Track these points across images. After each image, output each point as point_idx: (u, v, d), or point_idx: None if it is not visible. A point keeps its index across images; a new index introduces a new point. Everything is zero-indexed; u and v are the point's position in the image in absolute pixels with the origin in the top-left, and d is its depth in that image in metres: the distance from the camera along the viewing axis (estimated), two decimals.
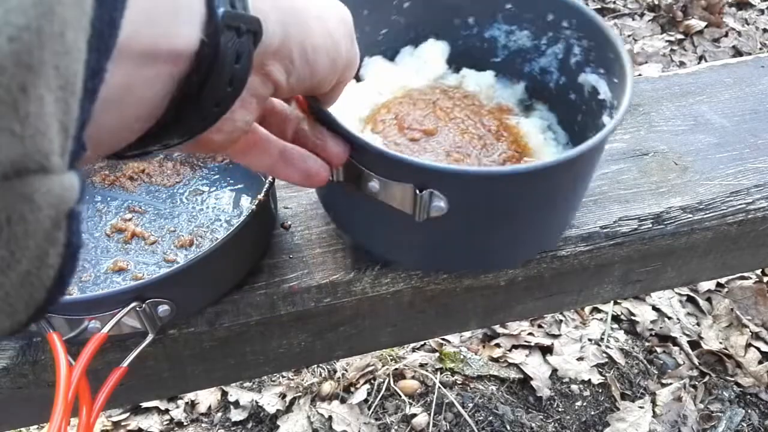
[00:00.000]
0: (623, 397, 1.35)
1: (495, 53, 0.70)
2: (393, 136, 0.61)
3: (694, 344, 1.44)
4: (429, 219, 0.49)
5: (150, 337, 0.56)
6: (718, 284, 1.54)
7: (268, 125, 0.43)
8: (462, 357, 1.42)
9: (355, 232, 0.62)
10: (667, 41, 2.27)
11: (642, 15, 2.41)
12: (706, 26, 2.30)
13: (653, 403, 1.33)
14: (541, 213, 0.56)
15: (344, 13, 0.41)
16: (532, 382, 1.36)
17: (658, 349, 1.44)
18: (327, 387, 1.36)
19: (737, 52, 2.23)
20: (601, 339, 1.46)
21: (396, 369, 1.39)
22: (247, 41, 0.30)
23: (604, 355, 1.42)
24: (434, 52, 0.70)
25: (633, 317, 1.49)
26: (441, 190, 0.47)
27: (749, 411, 1.33)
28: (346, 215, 0.61)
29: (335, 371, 1.39)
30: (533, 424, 1.30)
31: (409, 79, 0.68)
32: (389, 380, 1.37)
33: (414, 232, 0.53)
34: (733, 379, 1.38)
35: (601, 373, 1.39)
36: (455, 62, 0.71)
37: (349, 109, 0.63)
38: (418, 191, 0.47)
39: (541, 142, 0.64)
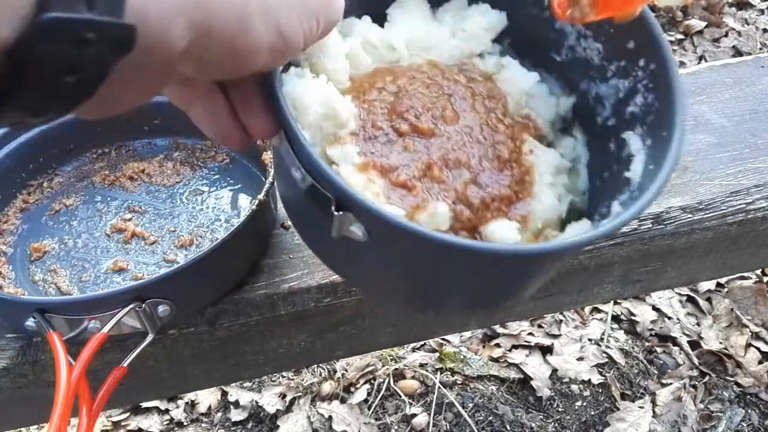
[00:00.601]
0: (623, 397, 1.35)
1: (558, 50, 0.56)
2: (375, 116, 0.50)
3: (694, 344, 1.44)
4: (346, 238, 0.42)
5: (150, 337, 0.56)
6: (718, 284, 1.54)
7: None
8: (462, 357, 1.42)
9: (288, 205, 0.54)
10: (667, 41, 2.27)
11: None
12: (706, 26, 2.30)
13: (653, 403, 1.33)
14: (477, 288, 0.50)
15: None
16: (532, 382, 1.36)
17: (658, 349, 1.44)
18: (327, 387, 1.36)
19: (737, 52, 2.23)
20: (601, 339, 1.46)
21: (396, 369, 1.39)
22: (101, 50, 0.27)
23: (604, 355, 1.42)
24: (483, 22, 0.56)
25: (633, 317, 1.49)
26: (360, 219, 0.40)
27: (749, 411, 1.33)
28: (280, 184, 0.54)
29: (335, 371, 1.39)
30: (533, 424, 1.30)
31: (439, 43, 0.55)
32: (389, 380, 1.37)
33: (330, 242, 0.44)
34: (733, 379, 1.38)
35: (601, 373, 1.39)
36: (506, 41, 0.58)
37: (345, 56, 0.51)
38: (334, 209, 0.40)
39: (546, 189, 0.52)
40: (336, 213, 0.40)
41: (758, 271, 1.52)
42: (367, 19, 0.54)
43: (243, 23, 0.33)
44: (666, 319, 1.49)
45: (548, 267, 0.51)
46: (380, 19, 0.55)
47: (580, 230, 0.49)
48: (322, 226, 0.43)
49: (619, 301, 1.50)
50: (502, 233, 0.48)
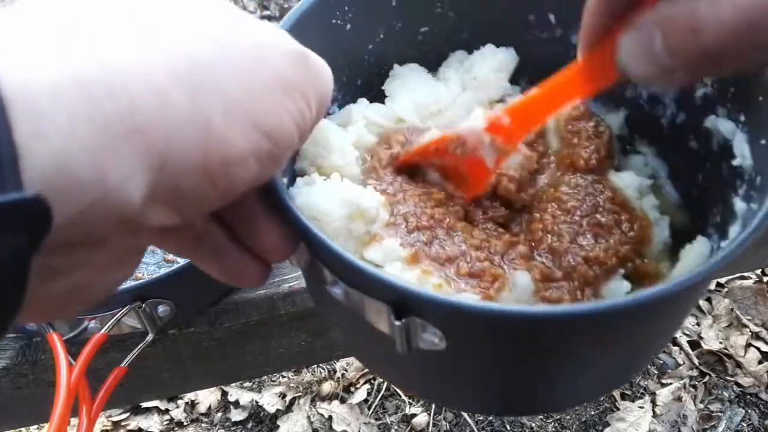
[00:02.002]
0: (623, 397, 1.35)
1: None
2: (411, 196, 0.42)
3: (694, 344, 1.44)
4: (419, 350, 0.34)
5: (150, 337, 0.57)
6: (718, 284, 1.54)
7: None
8: None
9: (333, 327, 0.47)
10: None
11: None
12: None
13: (653, 403, 1.33)
14: (596, 363, 0.39)
15: (279, 63, 0.26)
16: None
17: None
18: (327, 387, 1.36)
19: None
20: None
21: None
22: (7, 240, 0.19)
23: None
24: (492, 63, 0.50)
25: None
26: (431, 321, 0.32)
27: (749, 411, 1.33)
28: (319, 301, 0.45)
29: (335, 371, 1.39)
30: (533, 424, 1.30)
31: (451, 101, 0.49)
32: None
33: (397, 359, 0.36)
34: (733, 379, 1.38)
35: None
36: (523, 80, 0.52)
37: (348, 151, 0.44)
38: (396, 318, 0.32)
39: (637, 212, 0.44)
40: (397, 323, 0.32)
41: (758, 271, 1.52)
42: (363, 101, 0.49)
43: (209, 133, 0.23)
44: None
45: (690, 304, 0.40)
46: (377, 99, 0.50)
47: (702, 250, 0.40)
48: (383, 344, 0.35)
49: None
50: (613, 288, 0.40)
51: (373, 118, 0.47)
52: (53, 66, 0.20)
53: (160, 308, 0.55)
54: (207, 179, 0.24)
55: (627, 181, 0.46)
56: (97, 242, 0.23)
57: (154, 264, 0.64)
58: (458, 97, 0.50)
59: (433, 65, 0.52)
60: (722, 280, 1.53)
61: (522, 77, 0.51)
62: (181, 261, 0.63)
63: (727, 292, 1.53)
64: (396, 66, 0.51)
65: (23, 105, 0.19)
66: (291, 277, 0.62)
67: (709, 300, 1.53)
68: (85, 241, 0.22)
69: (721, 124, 0.42)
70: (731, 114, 0.41)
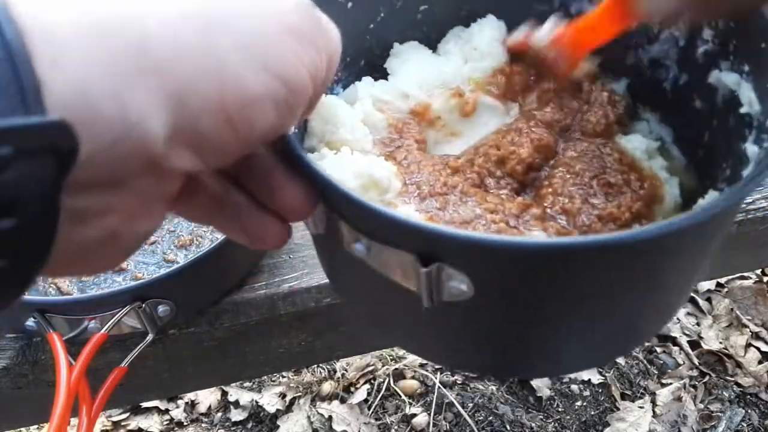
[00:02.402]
0: (623, 397, 1.35)
1: None
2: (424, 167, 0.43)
3: (694, 344, 1.44)
4: (443, 304, 0.33)
5: (150, 337, 0.57)
6: (718, 284, 1.54)
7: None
8: None
9: (350, 297, 0.45)
10: None
11: None
12: None
13: (653, 403, 1.33)
14: (625, 303, 0.37)
15: (290, 12, 0.26)
16: (532, 382, 1.36)
17: (658, 349, 1.44)
18: (327, 387, 1.36)
19: None
20: None
21: (396, 369, 1.39)
22: (28, 170, 0.18)
23: None
24: (493, 33, 0.50)
25: None
26: (459, 266, 0.30)
27: (749, 411, 1.33)
28: (335, 274, 0.44)
29: (335, 371, 1.39)
30: (533, 424, 1.30)
31: (454, 73, 0.50)
32: (389, 380, 1.37)
33: (418, 319, 0.36)
34: (733, 379, 1.38)
35: (601, 373, 1.39)
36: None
37: (357, 126, 0.45)
38: (422, 266, 0.31)
39: (646, 172, 0.45)
40: (424, 270, 0.31)
41: (758, 271, 1.52)
42: (367, 79, 0.50)
43: (224, 72, 0.24)
44: None
45: (710, 239, 0.37)
46: (381, 80, 0.51)
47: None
48: (406, 304, 0.34)
49: None
50: None
51: (378, 94, 0.48)
52: (70, 8, 0.21)
53: (160, 308, 0.55)
54: (226, 121, 0.24)
55: (635, 143, 0.46)
56: (122, 184, 0.23)
57: (154, 264, 0.64)
58: (460, 69, 0.50)
59: (433, 43, 0.52)
60: (722, 280, 1.53)
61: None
62: (181, 261, 0.63)
63: (727, 292, 1.53)
64: (396, 45, 0.51)
65: (41, 36, 0.19)
66: (291, 277, 0.62)
67: (709, 300, 1.53)
68: (111, 182, 0.22)
69: (726, 77, 0.42)
70: (735, 66, 0.42)
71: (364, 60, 0.51)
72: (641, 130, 0.50)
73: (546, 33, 0.46)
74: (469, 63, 0.50)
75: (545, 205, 0.42)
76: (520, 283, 0.33)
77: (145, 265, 0.64)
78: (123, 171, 0.22)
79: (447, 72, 0.50)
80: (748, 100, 0.40)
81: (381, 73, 0.51)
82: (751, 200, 0.70)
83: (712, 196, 0.40)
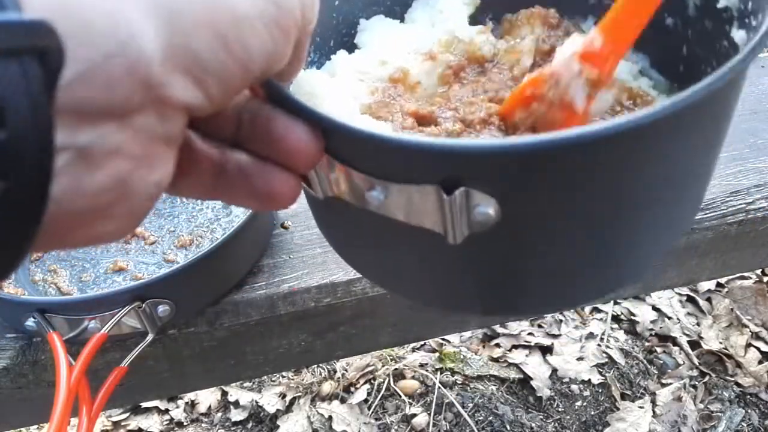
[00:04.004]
0: (623, 397, 1.35)
1: None
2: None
3: (694, 344, 1.44)
4: (469, 238, 0.31)
5: (150, 337, 0.57)
6: (718, 284, 1.54)
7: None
8: (462, 357, 1.42)
9: (358, 263, 0.44)
10: None
11: None
12: None
13: (653, 403, 1.33)
14: (662, 199, 0.34)
15: None
16: (532, 382, 1.36)
17: (658, 349, 1.44)
18: (327, 387, 1.36)
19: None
20: (601, 339, 1.46)
21: (396, 369, 1.39)
22: (17, 70, 0.17)
23: (604, 355, 1.42)
24: None
25: (633, 317, 1.49)
26: (485, 184, 0.29)
27: (749, 411, 1.33)
28: (342, 239, 0.42)
29: (335, 371, 1.39)
30: (533, 424, 1.30)
31: (422, 38, 0.50)
32: (389, 380, 1.37)
33: (444, 263, 0.35)
34: (733, 379, 1.38)
35: (601, 373, 1.39)
36: (488, 16, 0.53)
37: (341, 95, 0.44)
38: (445, 193, 0.29)
39: (636, 91, 0.44)
40: (447, 197, 0.29)
41: (758, 271, 1.52)
42: (342, 53, 0.49)
43: None
44: (666, 319, 1.49)
45: (725, 117, 0.35)
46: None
47: None
48: (428, 249, 0.33)
49: (619, 301, 1.51)
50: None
51: (356, 65, 0.48)
52: None
53: (160, 308, 0.55)
54: (219, 40, 0.24)
55: (620, 67, 0.45)
56: (125, 118, 0.22)
57: (154, 264, 0.64)
58: (429, 32, 0.50)
59: (398, 15, 0.53)
60: (722, 281, 1.53)
61: (487, 12, 0.52)
62: (181, 261, 0.63)
63: (727, 292, 1.53)
64: (363, 20, 0.52)
65: None
66: (291, 277, 0.62)
67: (709, 300, 1.53)
68: (112, 112, 0.21)
69: None
70: None
71: (333, 40, 0.51)
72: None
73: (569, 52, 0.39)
74: (436, 26, 0.50)
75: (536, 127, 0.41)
76: (549, 190, 0.30)
77: (145, 265, 0.64)
78: (122, 97, 0.21)
79: (417, 37, 0.50)
80: None
81: (351, 51, 0.51)
82: (751, 200, 0.70)
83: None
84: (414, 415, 1.31)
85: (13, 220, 0.19)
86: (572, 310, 1.51)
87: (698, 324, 1.49)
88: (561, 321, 1.50)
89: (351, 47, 0.51)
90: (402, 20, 0.53)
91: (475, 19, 0.51)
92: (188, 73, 0.23)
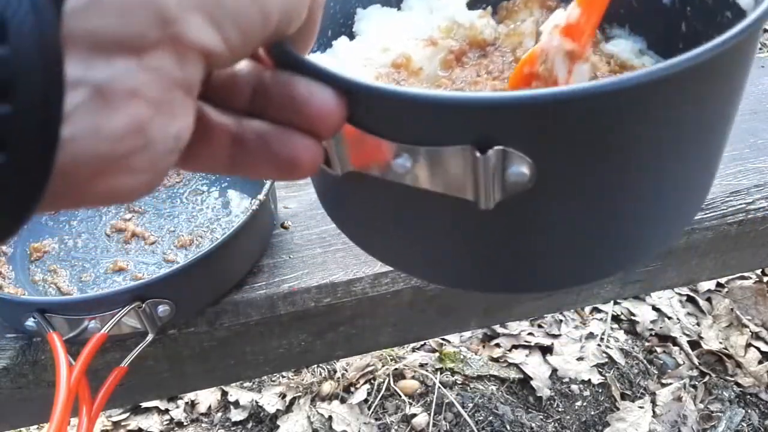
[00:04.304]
0: (623, 397, 1.35)
1: None
2: None
3: (694, 344, 1.44)
4: (500, 205, 0.30)
5: (150, 337, 0.56)
6: (718, 284, 1.54)
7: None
8: (462, 357, 1.41)
9: (375, 247, 0.42)
10: None
11: None
12: None
13: (653, 403, 1.33)
14: (697, 151, 0.34)
15: None
16: (532, 382, 1.36)
17: (658, 349, 1.44)
18: (327, 387, 1.36)
19: None
20: (601, 339, 1.46)
21: (396, 369, 1.39)
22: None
23: (604, 355, 1.42)
24: None
25: (633, 317, 1.49)
26: (521, 141, 0.28)
27: (749, 411, 1.33)
28: (361, 220, 0.40)
29: (335, 371, 1.39)
30: (533, 424, 1.30)
31: (420, 25, 0.50)
32: (389, 380, 1.37)
33: (472, 233, 0.33)
34: (733, 379, 1.38)
35: (601, 373, 1.39)
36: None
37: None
38: (478, 152, 0.28)
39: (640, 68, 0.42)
40: (481, 156, 0.27)
41: (758, 271, 1.52)
42: (343, 39, 0.50)
43: None
44: (666, 319, 1.49)
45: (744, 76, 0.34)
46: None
47: None
48: (456, 217, 0.31)
49: (619, 301, 1.50)
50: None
51: (358, 51, 0.47)
52: None
53: (160, 308, 0.55)
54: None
55: (621, 46, 0.46)
56: (141, 54, 0.21)
57: (154, 264, 0.64)
58: (428, 19, 0.50)
59: (394, 4, 0.53)
60: (722, 280, 1.53)
61: (480, 3, 0.52)
62: (181, 261, 0.63)
63: (727, 292, 1.53)
64: (359, 10, 0.52)
65: None
66: (291, 277, 0.62)
67: (709, 300, 1.53)
68: (127, 46, 0.21)
69: None
70: None
71: (331, 30, 0.51)
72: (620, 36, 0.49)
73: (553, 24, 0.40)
74: (434, 12, 0.50)
75: None
76: (588, 143, 0.29)
77: (145, 265, 0.64)
78: (136, 29, 0.21)
79: (415, 24, 0.50)
80: None
81: (351, 39, 0.51)
82: (751, 200, 0.70)
83: None
84: (414, 415, 1.31)
85: (21, 155, 0.18)
86: (572, 311, 1.51)
87: (698, 324, 1.48)
88: (561, 321, 1.50)
89: (349, 36, 0.51)
90: (399, 8, 0.53)
91: (472, 8, 0.51)
92: (206, 13, 0.22)
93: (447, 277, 0.40)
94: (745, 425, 1.31)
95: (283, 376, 1.40)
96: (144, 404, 1.33)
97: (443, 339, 1.45)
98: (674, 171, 0.33)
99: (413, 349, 1.44)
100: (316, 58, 0.44)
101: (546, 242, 0.34)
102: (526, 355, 1.42)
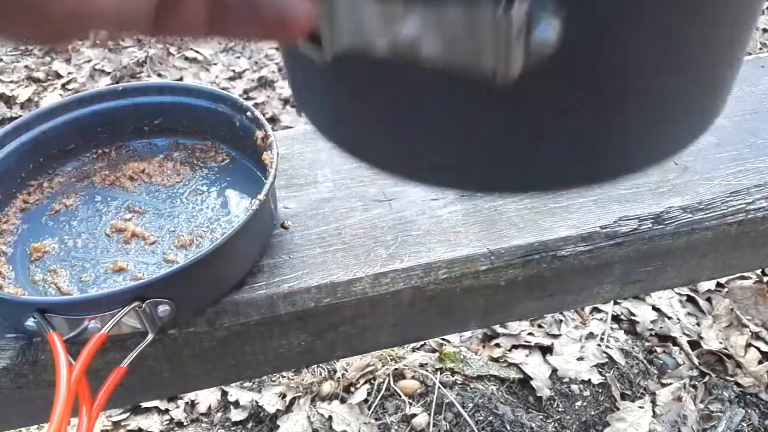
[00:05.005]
0: (623, 397, 1.35)
1: None
2: None
3: (694, 344, 1.44)
4: (519, 80, 0.25)
5: (150, 337, 0.56)
6: (718, 284, 1.54)
7: None
8: (462, 357, 1.41)
9: (368, 150, 0.36)
10: None
11: None
12: None
13: (653, 403, 1.33)
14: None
15: None
16: (532, 382, 1.36)
17: (658, 349, 1.44)
18: (327, 387, 1.36)
19: None
20: (601, 339, 1.46)
21: (396, 369, 1.39)
22: None
23: (604, 355, 1.42)
24: None
25: (633, 317, 1.49)
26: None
27: (749, 411, 1.33)
28: (344, 117, 0.35)
29: (335, 371, 1.39)
30: (533, 424, 1.30)
31: None
32: (389, 380, 1.37)
33: (487, 117, 0.29)
34: (733, 379, 1.38)
35: (601, 373, 1.39)
36: None
37: None
38: (503, 6, 0.24)
39: None
40: (503, 14, 0.23)
41: (758, 271, 1.52)
42: None
43: None
44: (666, 319, 1.49)
45: None
46: None
47: None
48: (470, 98, 0.27)
49: (619, 301, 1.50)
50: None
51: None
52: None
53: (160, 308, 0.55)
54: None
55: None
56: None
57: (154, 264, 0.64)
58: None
59: None
60: (722, 280, 1.53)
61: None
62: (181, 261, 0.63)
63: (727, 292, 1.53)
64: None
65: None
66: (291, 277, 0.62)
67: (709, 300, 1.53)
68: None
69: None
70: None
71: None
72: None
73: None
74: None
75: None
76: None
77: (145, 265, 0.64)
78: None
79: None
80: None
81: None
82: (751, 200, 0.70)
83: None
84: (414, 415, 1.31)
85: None
86: (572, 311, 1.51)
87: (698, 324, 1.48)
88: (561, 321, 1.50)
89: None
90: None
91: None
92: None
93: (457, 177, 0.34)
94: (745, 425, 1.31)
95: (283, 376, 1.40)
96: (144, 404, 1.33)
97: (443, 339, 1.45)
98: (713, 45, 0.29)
99: (413, 349, 1.44)
100: None
101: (564, 124, 0.29)
102: (526, 355, 1.42)
